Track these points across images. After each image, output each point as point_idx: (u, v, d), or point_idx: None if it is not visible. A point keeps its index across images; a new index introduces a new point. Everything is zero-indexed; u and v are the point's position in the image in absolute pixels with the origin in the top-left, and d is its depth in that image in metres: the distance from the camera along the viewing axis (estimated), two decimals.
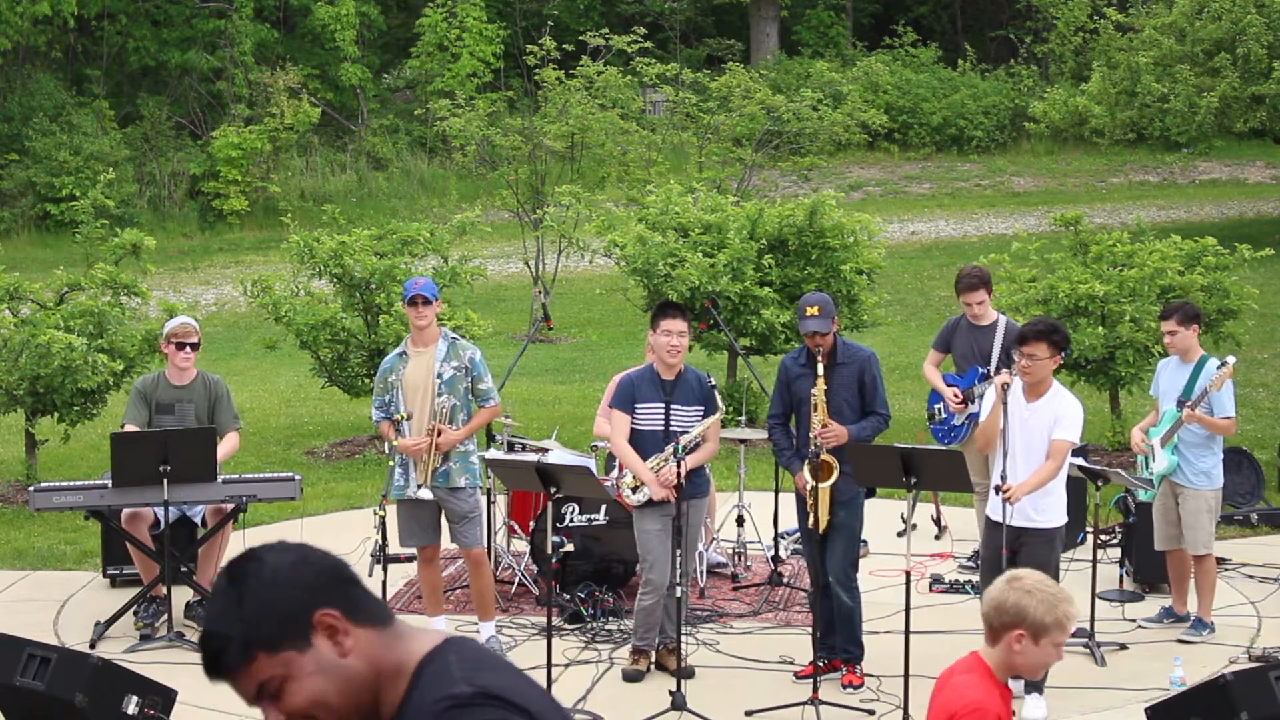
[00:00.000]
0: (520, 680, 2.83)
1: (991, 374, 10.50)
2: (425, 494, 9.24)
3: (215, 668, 2.76)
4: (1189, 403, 9.53)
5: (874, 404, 8.88)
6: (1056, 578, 8.63)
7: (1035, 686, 8.43)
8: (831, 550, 8.86)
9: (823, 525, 8.77)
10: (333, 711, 2.73)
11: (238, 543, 10.27)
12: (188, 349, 10.03)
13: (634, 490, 8.92)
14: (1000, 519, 8.25)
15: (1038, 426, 8.30)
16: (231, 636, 2.71)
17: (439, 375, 9.37)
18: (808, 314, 8.75)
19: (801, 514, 8.98)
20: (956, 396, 11.02)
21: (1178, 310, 9.77)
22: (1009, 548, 8.25)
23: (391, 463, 9.55)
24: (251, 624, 2.69)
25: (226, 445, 10.03)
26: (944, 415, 11.17)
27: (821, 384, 8.73)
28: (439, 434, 9.28)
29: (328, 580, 2.75)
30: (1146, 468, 9.87)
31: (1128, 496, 10.77)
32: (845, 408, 8.82)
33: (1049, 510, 8.43)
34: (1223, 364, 9.55)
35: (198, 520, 10.17)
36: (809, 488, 8.71)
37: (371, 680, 2.74)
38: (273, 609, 2.70)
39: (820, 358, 8.76)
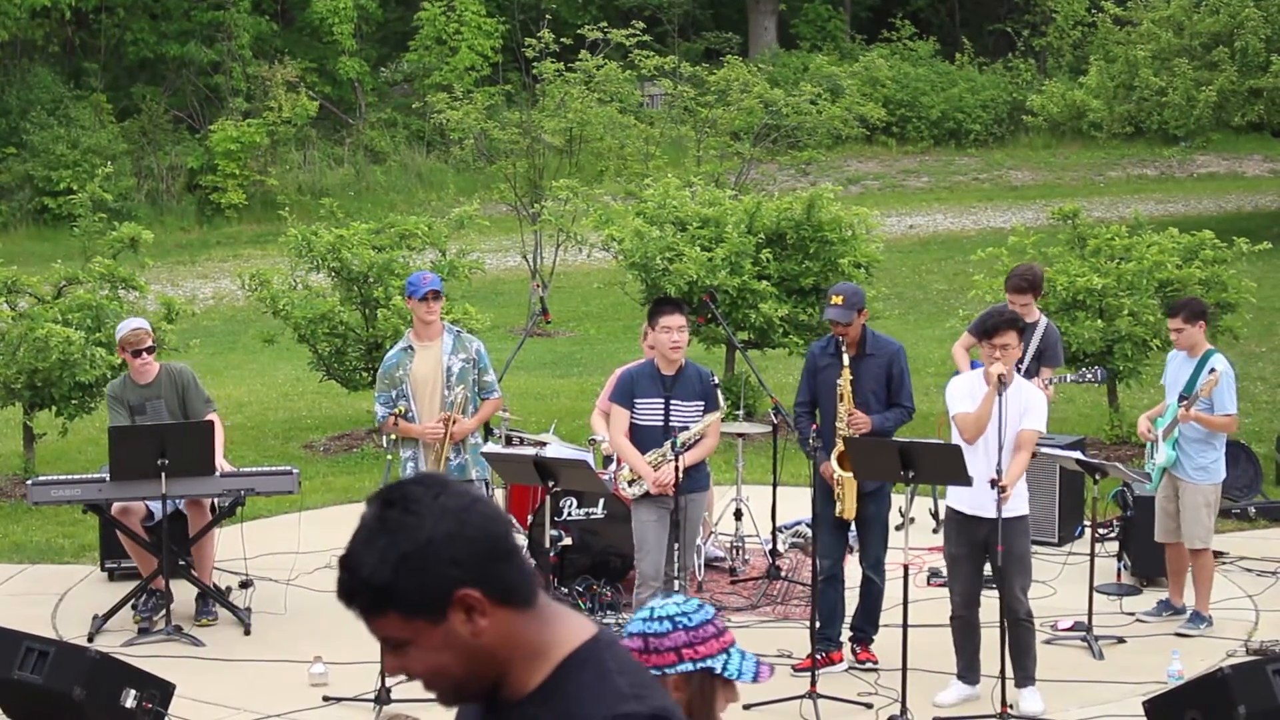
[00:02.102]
0: (663, 691, 2.81)
1: (1021, 374, 10.40)
2: None
3: (345, 600, 2.67)
4: (1185, 402, 9.55)
5: (900, 396, 8.98)
6: (1031, 565, 8.67)
7: (1029, 678, 8.45)
8: (867, 542, 9.11)
9: (849, 514, 8.88)
10: (451, 680, 2.69)
11: (235, 537, 10.29)
12: (143, 354, 9.99)
13: (630, 484, 8.94)
14: (984, 514, 8.25)
15: (1009, 419, 8.33)
16: (366, 583, 2.63)
17: (448, 368, 9.39)
18: (831, 302, 8.87)
19: (822, 502, 9.00)
20: None
21: (1184, 308, 9.78)
22: (985, 542, 8.30)
23: (390, 456, 9.56)
24: (388, 582, 2.61)
25: (216, 437, 9.99)
26: None
27: (847, 374, 8.81)
28: (453, 424, 9.30)
29: (481, 558, 2.64)
30: (1151, 456, 9.90)
31: (1126, 490, 10.78)
32: (872, 399, 8.90)
33: (1021, 498, 8.51)
34: (1210, 370, 9.56)
35: (181, 506, 10.12)
36: (835, 477, 8.81)
37: (500, 658, 2.69)
38: (416, 578, 2.61)
39: (846, 348, 8.84)
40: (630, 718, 2.67)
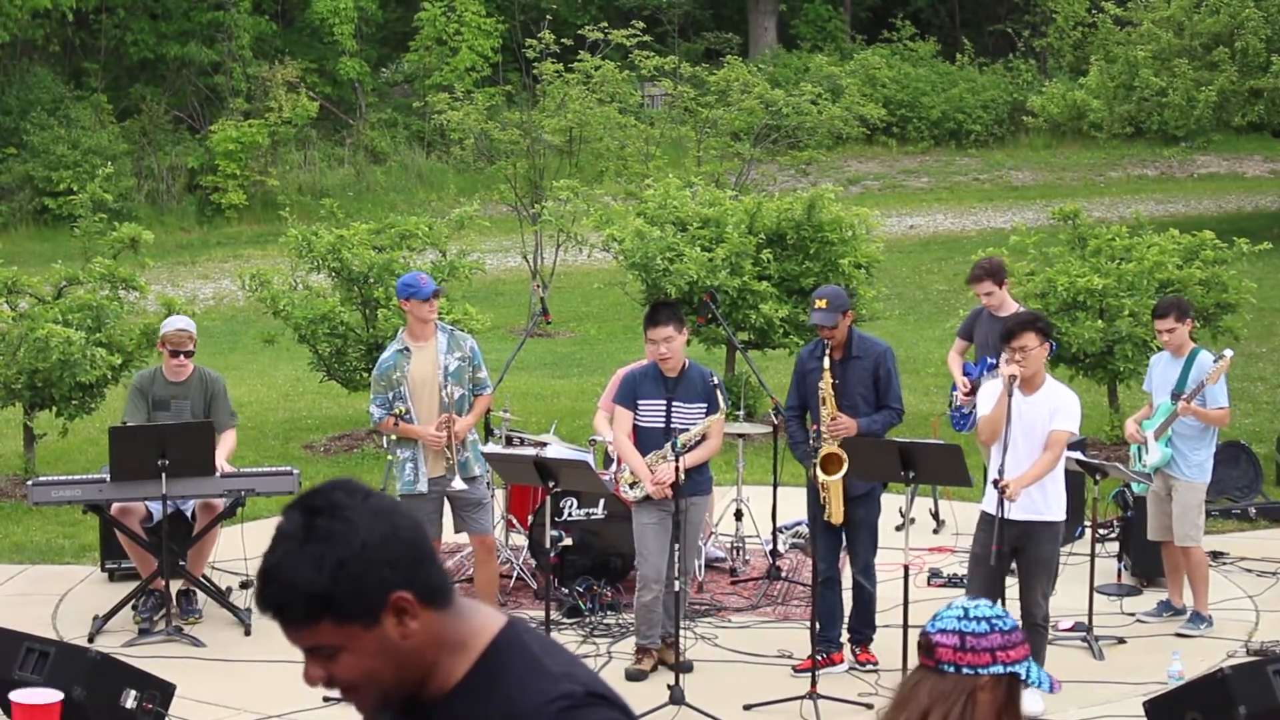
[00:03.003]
0: (585, 666, 2.85)
1: (1000, 365, 10.47)
2: (459, 484, 9.29)
3: (272, 612, 2.65)
4: (1184, 395, 9.55)
5: (887, 398, 8.93)
6: (1057, 572, 8.64)
7: None
8: (855, 546, 9.04)
9: (836, 519, 8.84)
10: (379, 686, 2.69)
11: (235, 537, 10.28)
12: (181, 357, 10.02)
13: (632, 486, 8.94)
14: (1013, 516, 8.20)
15: (1036, 419, 8.29)
16: (301, 593, 2.60)
17: (445, 367, 9.40)
18: (815, 306, 8.83)
19: (814, 506, 9.00)
20: (965, 385, 11.06)
21: (1174, 307, 9.78)
22: (1013, 544, 8.24)
23: (391, 457, 9.56)
24: (325, 590, 2.59)
25: (225, 445, 10.03)
26: (959, 403, 11.24)
27: (828, 378, 8.77)
28: (453, 424, 9.31)
29: (411, 560, 2.66)
30: (1140, 459, 9.89)
31: (1126, 491, 10.78)
32: (860, 402, 8.85)
33: (1056, 502, 8.42)
34: (1219, 357, 9.57)
35: (188, 513, 10.13)
36: (820, 481, 8.77)
37: (427, 658, 2.71)
38: (353, 584, 2.60)
39: (831, 351, 8.80)
40: (569, 698, 2.71)
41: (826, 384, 8.79)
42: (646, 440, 8.94)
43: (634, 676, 8.90)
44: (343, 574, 2.60)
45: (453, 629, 2.74)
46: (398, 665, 2.68)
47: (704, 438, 8.94)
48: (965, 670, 3.48)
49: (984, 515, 8.50)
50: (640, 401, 8.96)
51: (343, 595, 2.60)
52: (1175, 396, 9.63)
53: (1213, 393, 9.55)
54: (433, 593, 2.70)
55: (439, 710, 2.75)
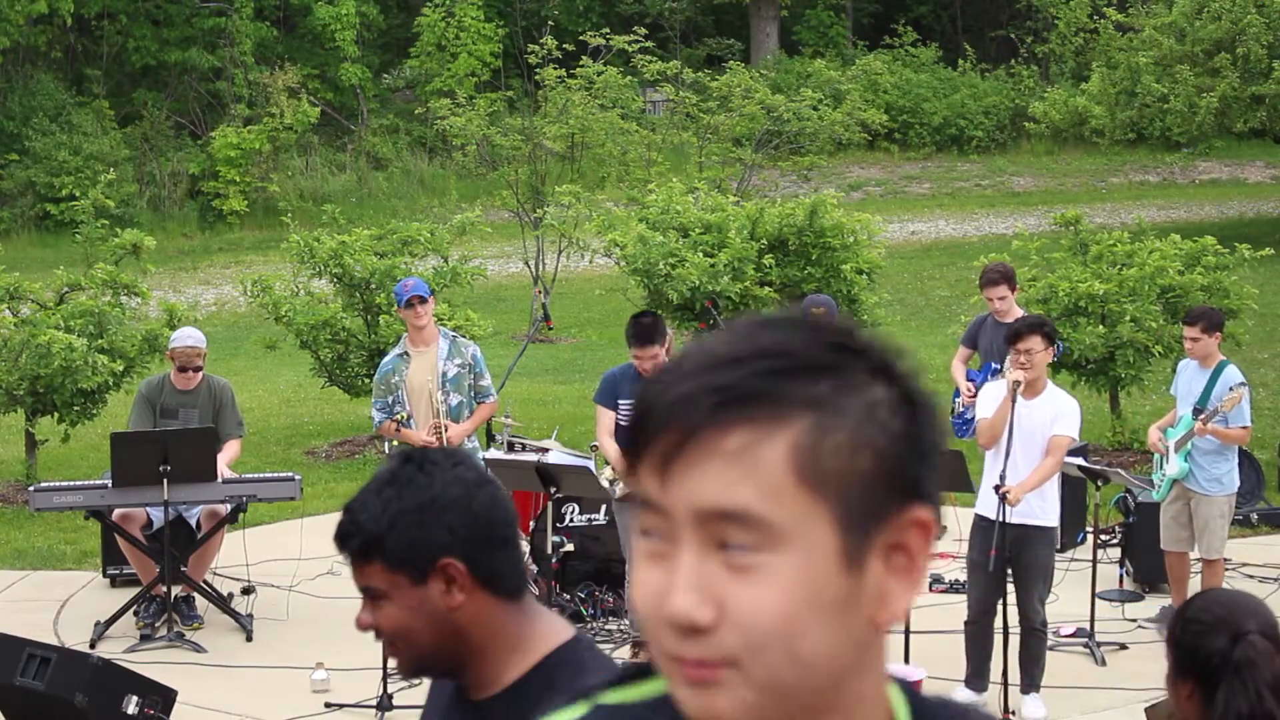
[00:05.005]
0: None
1: (1005, 370, 10.49)
2: None
3: (336, 543, 2.76)
4: (1202, 415, 9.52)
5: None
6: (1052, 576, 8.64)
7: (1033, 686, 8.43)
8: None
9: None
10: (416, 646, 2.73)
11: (237, 543, 10.28)
12: (189, 372, 10.02)
13: (612, 482, 8.97)
14: (994, 518, 8.20)
15: (1036, 424, 8.27)
16: (362, 529, 2.70)
17: (444, 374, 9.40)
18: (813, 315, 8.74)
19: None
20: (969, 390, 11.07)
21: (1203, 318, 9.72)
22: (1008, 548, 8.22)
23: None
24: (385, 532, 2.67)
25: (228, 453, 10.02)
26: (961, 409, 11.26)
27: None
28: (446, 430, 9.30)
29: (475, 535, 2.69)
30: (1161, 467, 9.87)
31: (1128, 496, 10.77)
32: None
33: (1052, 507, 8.42)
34: (1233, 387, 9.52)
35: (193, 523, 10.12)
36: None
37: (473, 640, 2.72)
38: (406, 534, 2.67)
39: None
40: None
41: None
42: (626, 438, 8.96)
43: None
44: (401, 521, 2.66)
45: (513, 625, 2.75)
46: (436, 633, 2.70)
47: None
48: None
49: (978, 520, 8.48)
50: (620, 401, 9.00)
51: (394, 542, 2.66)
52: (1198, 411, 9.61)
53: (1236, 411, 9.52)
54: (493, 576, 2.72)
55: (489, 709, 2.74)
